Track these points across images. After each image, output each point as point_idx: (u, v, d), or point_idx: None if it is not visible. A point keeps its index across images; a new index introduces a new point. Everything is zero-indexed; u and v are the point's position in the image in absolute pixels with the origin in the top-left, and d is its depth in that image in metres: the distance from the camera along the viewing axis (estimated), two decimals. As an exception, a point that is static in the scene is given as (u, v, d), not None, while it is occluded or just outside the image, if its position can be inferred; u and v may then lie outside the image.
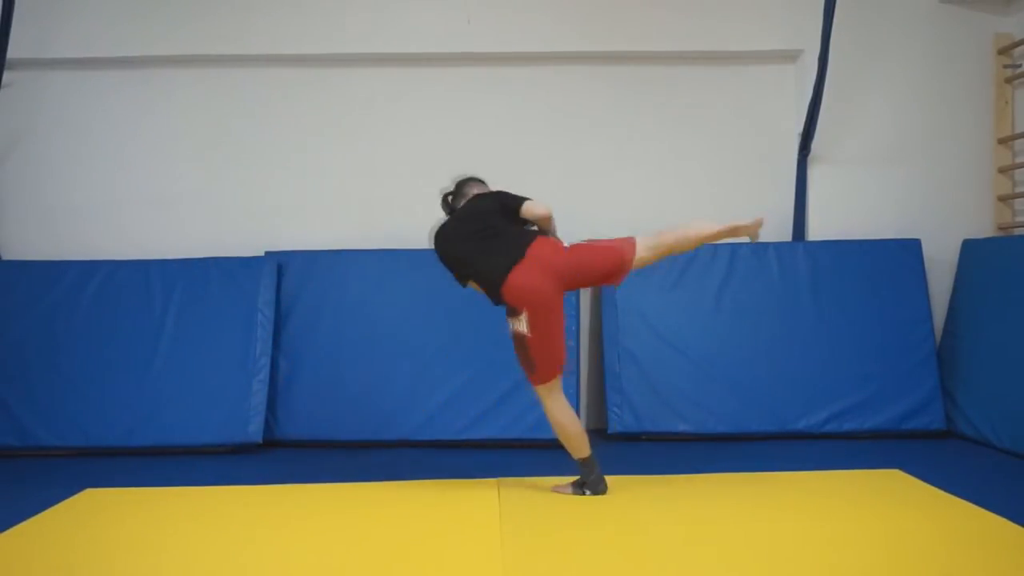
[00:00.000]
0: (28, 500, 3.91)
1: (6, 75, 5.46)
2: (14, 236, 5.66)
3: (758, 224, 3.92)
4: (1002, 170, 5.66)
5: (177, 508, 3.83)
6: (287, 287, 5.40)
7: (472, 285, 3.97)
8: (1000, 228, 5.64)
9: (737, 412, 5.21)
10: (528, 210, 3.93)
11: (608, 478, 3.91)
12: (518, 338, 3.77)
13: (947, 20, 5.72)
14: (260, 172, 5.75)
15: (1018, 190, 5.64)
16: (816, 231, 5.69)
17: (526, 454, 4.87)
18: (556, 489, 3.95)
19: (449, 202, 4.16)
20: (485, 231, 3.88)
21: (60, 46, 5.57)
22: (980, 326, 5.20)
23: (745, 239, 4.06)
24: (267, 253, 5.48)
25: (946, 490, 3.82)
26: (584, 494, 3.87)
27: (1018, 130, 5.65)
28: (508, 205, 3.95)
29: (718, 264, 5.47)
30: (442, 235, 4.03)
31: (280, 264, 5.42)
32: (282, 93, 5.77)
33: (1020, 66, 5.62)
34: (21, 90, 5.65)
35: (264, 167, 5.75)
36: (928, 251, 5.54)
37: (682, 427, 5.20)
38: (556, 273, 3.79)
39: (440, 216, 4.16)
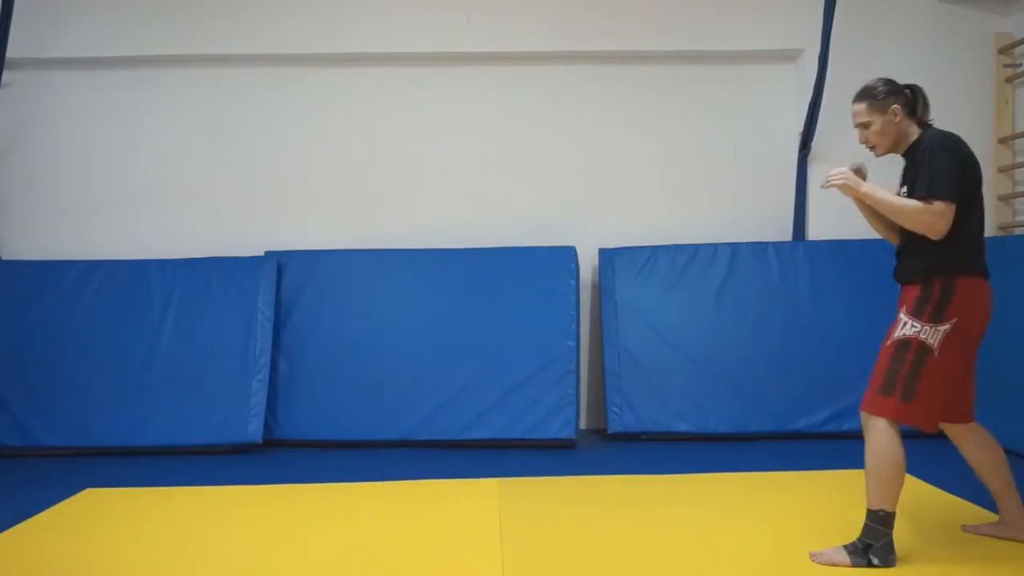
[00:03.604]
0: (28, 500, 3.92)
1: (6, 75, 5.47)
2: (14, 236, 5.66)
3: None
4: (1002, 170, 5.66)
5: (177, 508, 3.84)
6: (287, 287, 5.40)
7: (925, 229, 3.14)
8: (1000, 228, 5.64)
9: (737, 412, 5.21)
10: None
11: (608, 478, 3.87)
12: (912, 347, 2.99)
13: (947, 20, 5.73)
14: (260, 172, 5.75)
15: (1018, 190, 5.64)
16: (816, 231, 5.69)
17: (526, 454, 4.87)
18: (817, 557, 2.95)
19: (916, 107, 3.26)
20: None
21: (60, 46, 5.58)
22: (980, 326, 5.19)
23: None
24: (267, 253, 5.48)
25: (946, 490, 3.83)
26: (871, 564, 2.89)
27: (1018, 130, 5.64)
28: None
29: (718, 264, 5.47)
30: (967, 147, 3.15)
31: (280, 264, 5.42)
32: (282, 93, 5.77)
33: (1020, 66, 5.62)
34: (21, 90, 5.66)
35: (264, 167, 5.75)
36: (928, 251, 5.52)
37: (682, 427, 5.20)
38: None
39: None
